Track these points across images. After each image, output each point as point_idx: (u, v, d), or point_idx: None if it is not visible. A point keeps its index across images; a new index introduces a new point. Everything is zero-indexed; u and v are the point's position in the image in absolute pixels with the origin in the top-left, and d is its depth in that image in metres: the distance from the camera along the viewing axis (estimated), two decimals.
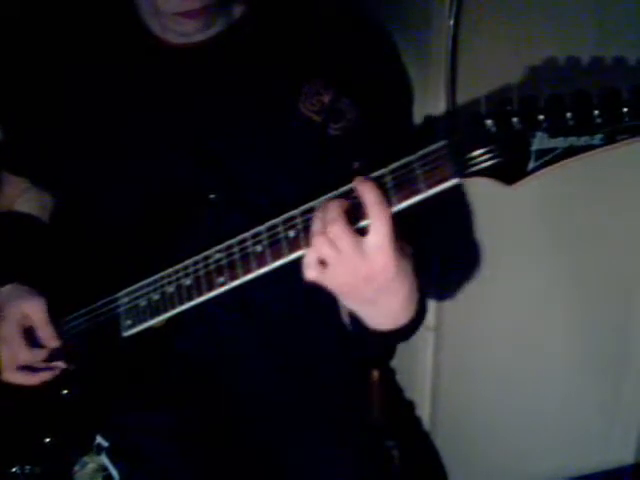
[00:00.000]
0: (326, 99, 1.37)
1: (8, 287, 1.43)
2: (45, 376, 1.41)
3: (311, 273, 1.11)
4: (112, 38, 1.40)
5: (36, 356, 1.40)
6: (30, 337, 1.40)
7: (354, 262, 1.07)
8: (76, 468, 1.55)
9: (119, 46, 1.40)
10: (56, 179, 1.51)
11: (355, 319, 1.20)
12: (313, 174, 1.33)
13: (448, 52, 1.67)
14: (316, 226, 1.09)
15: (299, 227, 1.14)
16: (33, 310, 1.39)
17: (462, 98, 1.66)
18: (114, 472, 1.51)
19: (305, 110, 1.37)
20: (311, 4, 1.44)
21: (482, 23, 1.66)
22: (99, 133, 1.40)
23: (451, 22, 1.65)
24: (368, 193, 1.07)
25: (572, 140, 0.94)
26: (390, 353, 1.73)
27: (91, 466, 1.55)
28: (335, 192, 1.13)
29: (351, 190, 1.11)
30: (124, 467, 1.52)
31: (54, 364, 1.41)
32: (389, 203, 1.07)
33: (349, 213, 1.08)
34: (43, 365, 1.41)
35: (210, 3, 1.26)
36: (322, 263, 1.09)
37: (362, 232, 1.08)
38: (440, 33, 1.68)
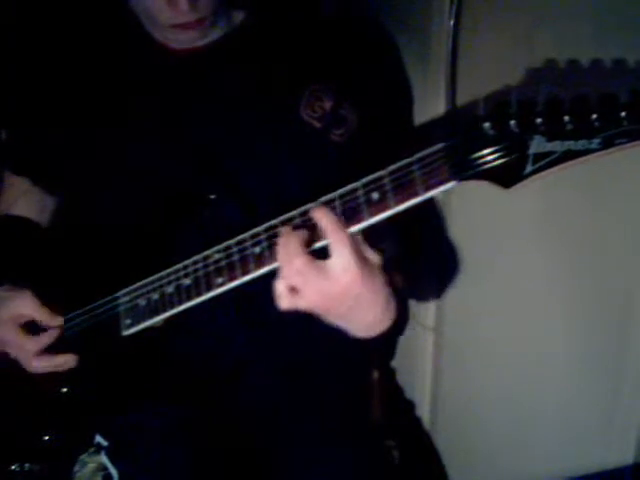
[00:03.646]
0: (327, 105, 1.38)
1: None
2: (67, 358, 1.42)
3: (284, 302, 1.14)
4: (115, 43, 1.42)
5: (44, 339, 1.42)
6: (32, 329, 1.42)
7: (322, 286, 1.10)
8: (76, 467, 1.55)
9: (122, 51, 1.41)
10: (57, 179, 1.53)
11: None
12: (314, 177, 1.34)
13: (448, 52, 1.66)
14: (281, 257, 1.12)
15: None
16: (22, 305, 1.42)
17: (462, 99, 1.66)
18: (114, 471, 1.52)
19: (306, 116, 1.38)
20: (312, 9, 1.44)
21: (482, 23, 1.65)
22: (100, 134, 1.41)
23: (451, 22, 1.65)
24: (322, 219, 1.11)
25: (570, 144, 0.94)
26: (389, 353, 1.74)
27: (91, 465, 1.56)
28: (293, 212, 1.16)
29: (308, 210, 1.14)
30: (124, 466, 1.52)
31: (67, 357, 1.42)
32: (345, 224, 1.10)
33: (310, 235, 1.13)
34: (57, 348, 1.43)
35: (205, 15, 1.27)
36: (293, 290, 1.13)
37: (326, 251, 1.11)
38: (440, 33, 1.68)
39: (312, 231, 1.13)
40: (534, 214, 1.71)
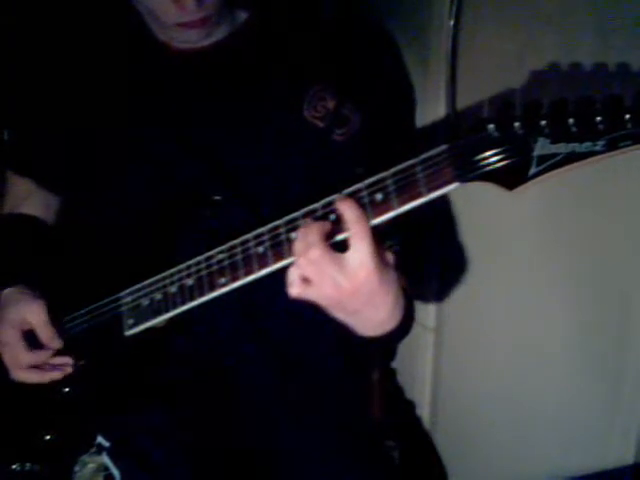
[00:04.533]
0: (330, 105, 1.38)
1: (8, 291, 1.45)
2: (55, 375, 1.43)
3: (295, 290, 1.12)
4: (119, 44, 1.43)
5: (38, 357, 1.42)
6: (31, 339, 1.42)
7: (337, 279, 1.08)
8: (76, 468, 1.55)
9: (125, 51, 1.42)
10: (60, 180, 1.53)
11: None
12: (317, 177, 1.34)
13: (448, 52, 1.66)
14: (298, 247, 1.11)
15: None
16: (32, 313, 1.41)
17: (462, 99, 1.66)
18: (115, 472, 1.52)
19: (309, 116, 1.38)
20: (314, 10, 1.45)
21: (482, 23, 1.65)
22: (104, 135, 1.42)
23: (451, 22, 1.65)
24: (347, 211, 1.09)
25: (574, 146, 0.94)
26: (389, 353, 1.74)
27: (91, 466, 1.56)
28: (316, 204, 1.15)
29: (331, 202, 1.13)
30: (125, 467, 1.52)
31: (63, 362, 1.42)
32: (368, 218, 1.09)
33: (329, 228, 1.11)
34: (50, 364, 1.43)
35: (210, 14, 1.28)
36: (305, 280, 1.11)
37: (344, 244, 1.10)
38: (440, 33, 1.68)
39: (333, 223, 1.11)
40: (534, 215, 1.71)
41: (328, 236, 1.10)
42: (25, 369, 1.42)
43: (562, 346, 1.83)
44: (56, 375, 1.43)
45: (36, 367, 1.42)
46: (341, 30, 1.43)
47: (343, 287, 1.09)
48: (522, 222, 1.75)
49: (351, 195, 1.11)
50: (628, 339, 1.80)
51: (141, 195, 1.42)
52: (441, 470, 1.90)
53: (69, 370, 1.43)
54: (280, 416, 1.54)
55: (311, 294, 1.12)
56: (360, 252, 1.07)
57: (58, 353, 1.43)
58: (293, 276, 1.12)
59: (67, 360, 1.43)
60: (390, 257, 1.14)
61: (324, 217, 1.13)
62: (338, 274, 1.08)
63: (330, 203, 1.12)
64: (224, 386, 1.53)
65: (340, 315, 1.16)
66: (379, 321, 1.17)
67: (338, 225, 1.11)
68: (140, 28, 1.38)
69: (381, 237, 1.12)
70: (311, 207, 1.15)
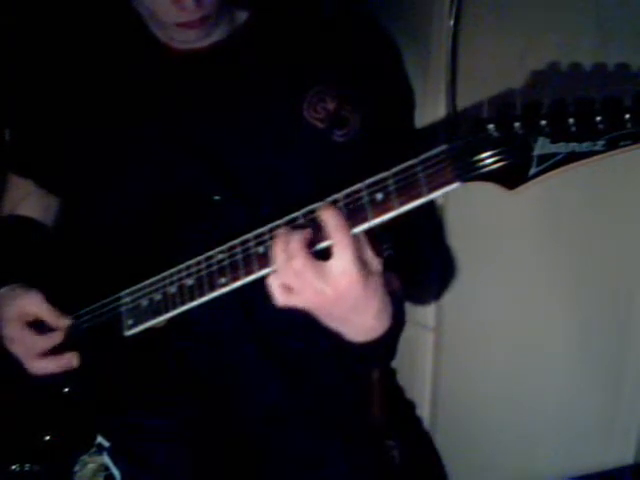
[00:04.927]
0: (330, 106, 1.38)
1: (3, 290, 1.45)
2: (70, 358, 1.41)
3: (279, 300, 1.13)
4: (119, 45, 1.43)
5: (51, 339, 1.41)
6: (38, 328, 1.42)
7: (319, 287, 1.09)
8: (76, 468, 1.55)
9: (126, 52, 1.42)
10: (60, 181, 1.53)
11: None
12: (317, 178, 1.34)
13: (448, 52, 1.66)
14: (279, 257, 1.11)
15: None
16: (31, 304, 1.41)
17: (462, 99, 1.66)
18: (116, 472, 1.52)
19: (309, 117, 1.38)
20: (314, 10, 1.45)
21: (482, 24, 1.65)
22: (104, 136, 1.42)
23: (451, 22, 1.64)
24: (329, 219, 1.09)
25: (574, 146, 0.94)
26: (389, 354, 1.73)
27: (91, 466, 1.56)
28: (299, 212, 1.15)
29: (313, 210, 1.13)
30: (126, 467, 1.52)
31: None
32: (349, 226, 1.10)
33: (313, 235, 1.12)
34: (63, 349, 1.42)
35: (209, 14, 1.29)
36: (287, 288, 1.12)
37: (327, 252, 1.11)
38: (440, 33, 1.68)
39: (315, 231, 1.12)
40: (535, 215, 1.71)
41: (311, 244, 1.11)
42: (41, 357, 1.41)
43: (562, 346, 1.84)
44: (72, 360, 1.42)
45: (49, 354, 1.41)
46: (341, 30, 1.44)
47: (326, 294, 1.10)
48: (522, 222, 1.75)
49: (335, 202, 1.12)
50: (629, 339, 1.80)
51: (141, 195, 1.42)
52: (441, 470, 1.89)
53: (76, 364, 1.42)
54: (280, 416, 1.54)
55: (294, 301, 1.13)
56: (342, 260, 1.08)
57: (64, 344, 1.43)
58: (274, 285, 1.13)
59: (74, 355, 1.43)
60: (376, 263, 1.14)
61: (307, 224, 1.13)
62: (320, 282, 1.09)
63: (312, 211, 1.13)
64: (224, 386, 1.53)
65: (327, 321, 1.18)
66: (368, 327, 1.18)
67: (320, 233, 1.12)
68: (140, 28, 1.38)
69: (375, 241, 1.12)
70: (292, 215, 1.16)
